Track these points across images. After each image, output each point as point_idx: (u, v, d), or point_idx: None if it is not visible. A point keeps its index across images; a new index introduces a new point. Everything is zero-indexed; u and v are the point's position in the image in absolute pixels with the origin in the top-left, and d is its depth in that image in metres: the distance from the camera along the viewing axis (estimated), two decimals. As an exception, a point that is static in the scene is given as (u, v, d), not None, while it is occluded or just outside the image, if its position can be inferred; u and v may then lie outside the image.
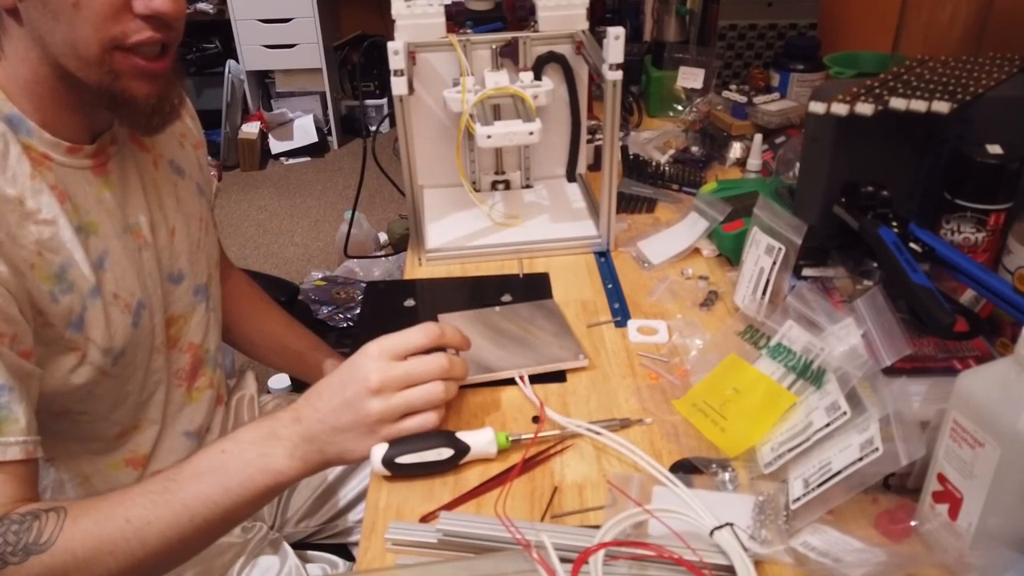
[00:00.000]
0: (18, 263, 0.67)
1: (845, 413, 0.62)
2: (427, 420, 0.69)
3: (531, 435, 0.71)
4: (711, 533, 0.59)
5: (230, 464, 0.67)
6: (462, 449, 0.69)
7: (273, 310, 1.12)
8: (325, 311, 2.18)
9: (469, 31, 1.06)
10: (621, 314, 0.91)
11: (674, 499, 0.63)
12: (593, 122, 1.23)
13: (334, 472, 1.03)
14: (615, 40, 0.88)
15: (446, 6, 1.01)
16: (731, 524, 0.59)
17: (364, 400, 0.68)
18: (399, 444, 0.68)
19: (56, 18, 0.65)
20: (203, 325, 0.90)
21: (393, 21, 1.00)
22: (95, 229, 0.74)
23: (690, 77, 1.38)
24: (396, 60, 0.89)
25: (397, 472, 0.68)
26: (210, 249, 0.93)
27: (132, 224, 0.79)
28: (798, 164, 0.96)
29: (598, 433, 0.72)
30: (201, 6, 3.49)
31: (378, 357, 0.69)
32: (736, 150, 1.27)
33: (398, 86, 0.91)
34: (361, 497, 1.02)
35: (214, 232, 0.96)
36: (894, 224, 0.77)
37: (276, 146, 3.51)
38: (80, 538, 0.63)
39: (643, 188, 1.17)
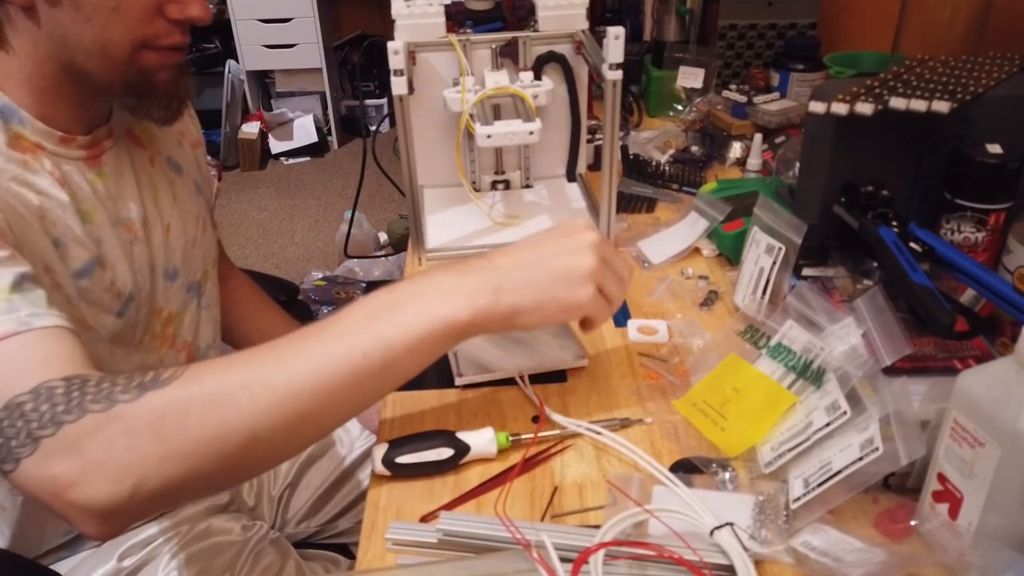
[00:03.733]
0: (21, 212, 0.67)
1: (845, 413, 0.62)
2: (614, 309, 0.67)
3: (531, 435, 0.71)
4: (711, 533, 0.59)
5: (399, 298, 0.60)
6: (462, 449, 0.69)
7: (274, 311, 1.12)
8: (325, 311, 2.18)
9: (469, 31, 1.06)
10: (621, 314, 0.91)
11: (674, 499, 0.63)
12: (593, 122, 1.23)
13: (335, 473, 1.03)
14: (615, 40, 0.88)
15: (446, 6, 1.01)
16: (731, 524, 0.59)
17: (582, 250, 0.64)
18: (399, 444, 0.68)
19: (88, 20, 0.66)
20: (194, 323, 0.90)
21: (393, 21, 1.00)
22: (90, 217, 0.74)
23: (690, 77, 1.38)
24: (396, 60, 0.89)
25: (397, 472, 0.68)
26: (207, 247, 0.93)
27: (124, 218, 0.79)
28: (798, 164, 0.96)
29: (598, 433, 0.72)
30: (201, 6, 3.49)
31: (592, 225, 0.67)
32: (736, 150, 1.27)
33: (398, 86, 0.91)
34: (361, 497, 1.02)
35: (212, 230, 0.96)
36: (894, 224, 0.77)
37: (276, 146, 3.52)
38: (210, 370, 0.56)
39: (643, 188, 1.17)
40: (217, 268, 0.97)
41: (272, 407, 0.55)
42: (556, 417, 0.74)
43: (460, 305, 0.60)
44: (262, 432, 0.54)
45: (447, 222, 1.07)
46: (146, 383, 0.54)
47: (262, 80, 3.60)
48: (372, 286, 1.11)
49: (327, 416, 0.58)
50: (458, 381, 0.79)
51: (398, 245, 2.68)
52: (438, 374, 0.81)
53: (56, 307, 0.60)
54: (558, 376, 0.80)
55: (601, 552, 0.57)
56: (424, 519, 0.65)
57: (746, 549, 0.58)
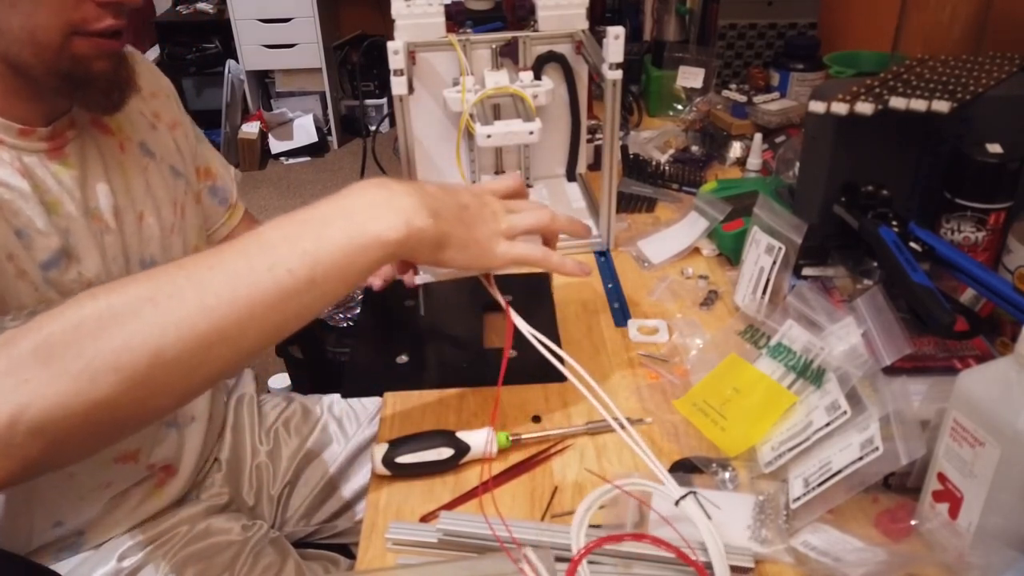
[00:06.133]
0: None
1: (845, 412, 0.62)
2: (542, 215, 0.68)
3: (532, 435, 0.71)
4: (676, 503, 0.59)
5: (327, 214, 0.56)
6: (462, 449, 0.69)
7: None
8: (325, 311, 2.18)
9: (469, 31, 1.06)
10: (621, 313, 0.91)
11: (673, 497, 0.63)
12: (593, 122, 1.23)
13: (333, 470, 1.03)
14: (615, 39, 0.88)
15: (446, 6, 1.01)
16: (694, 491, 0.60)
17: (483, 196, 0.67)
18: (399, 444, 0.68)
19: (14, 6, 0.65)
20: None
21: (393, 21, 1.00)
22: (56, 209, 0.73)
23: (690, 76, 1.38)
24: (396, 60, 0.89)
25: (397, 472, 0.68)
26: (188, 233, 0.90)
27: (93, 208, 0.77)
28: (798, 163, 0.96)
29: (605, 430, 0.72)
30: (201, 6, 3.49)
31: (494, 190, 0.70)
32: (736, 149, 1.27)
33: (398, 86, 0.91)
34: (361, 497, 1.02)
35: (196, 215, 0.93)
36: (894, 223, 0.77)
37: (276, 146, 3.51)
38: (108, 288, 0.50)
39: (643, 188, 1.17)
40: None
41: (182, 320, 0.49)
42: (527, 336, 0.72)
43: (394, 223, 0.57)
44: (169, 349, 0.49)
45: (447, 222, 1.07)
46: (38, 311, 0.50)
47: (262, 80, 3.60)
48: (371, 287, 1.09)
49: (245, 337, 0.53)
50: (417, 279, 0.81)
51: (398, 245, 2.67)
52: (438, 374, 0.81)
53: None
54: (558, 376, 0.80)
55: (584, 559, 0.57)
56: (424, 519, 0.65)
57: (709, 517, 0.58)
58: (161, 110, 0.91)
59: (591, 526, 0.62)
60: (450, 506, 0.66)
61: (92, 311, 0.49)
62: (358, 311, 0.98)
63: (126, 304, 0.49)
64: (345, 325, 2.00)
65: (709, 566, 0.56)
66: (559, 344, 0.84)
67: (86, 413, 0.48)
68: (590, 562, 0.57)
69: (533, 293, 0.94)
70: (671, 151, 1.28)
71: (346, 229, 0.56)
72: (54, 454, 0.49)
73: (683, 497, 0.59)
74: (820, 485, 0.60)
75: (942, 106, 0.75)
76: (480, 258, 0.65)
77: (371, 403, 1.07)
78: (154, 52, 3.46)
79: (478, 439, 0.69)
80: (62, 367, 0.47)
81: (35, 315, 0.50)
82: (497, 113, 1.04)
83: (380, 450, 0.68)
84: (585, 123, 1.13)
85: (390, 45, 0.90)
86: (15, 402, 0.46)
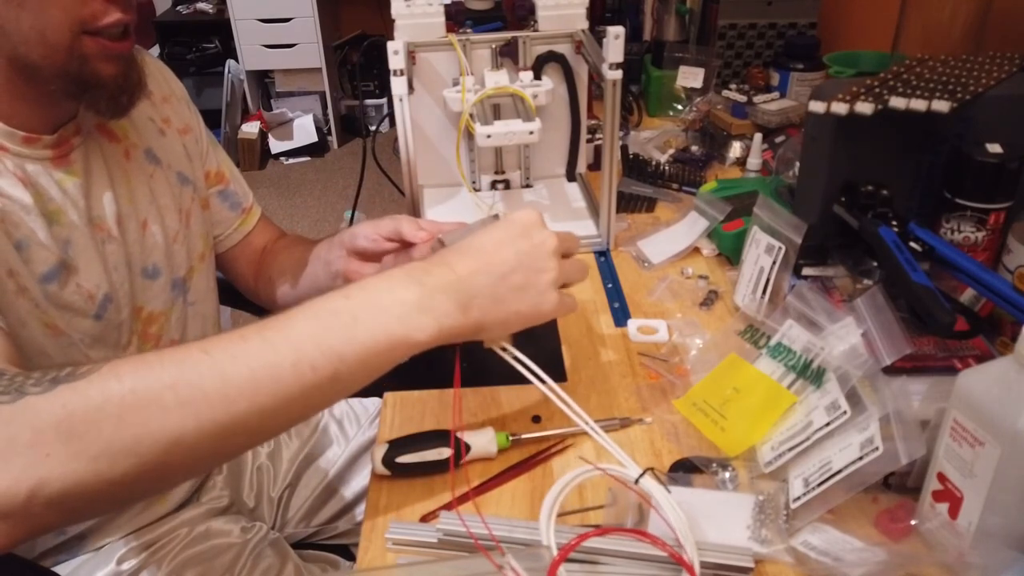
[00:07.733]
0: None
1: (845, 412, 0.62)
2: (575, 301, 0.66)
3: (532, 435, 0.71)
4: (636, 481, 0.60)
5: (358, 309, 0.56)
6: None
7: (296, 246, 1.02)
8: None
9: (469, 31, 1.06)
10: (621, 313, 0.91)
11: (665, 494, 0.63)
12: (593, 121, 1.23)
13: (334, 472, 1.03)
14: (615, 39, 0.88)
15: (446, 6, 1.01)
16: (652, 468, 0.62)
17: (544, 259, 0.62)
18: (399, 444, 0.68)
19: (22, 5, 0.64)
20: (181, 321, 0.88)
21: (393, 21, 1.00)
22: (58, 218, 0.72)
23: (690, 76, 1.38)
24: (396, 60, 0.89)
25: (397, 472, 0.68)
26: (192, 241, 0.89)
27: (96, 216, 0.76)
28: (798, 163, 0.96)
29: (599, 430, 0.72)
30: (201, 6, 3.49)
31: (544, 222, 0.64)
32: (736, 149, 1.27)
33: (398, 86, 0.91)
34: (361, 498, 1.02)
35: (202, 222, 0.92)
36: (894, 223, 0.77)
37: (276, 146, 3.52)
38: (132, 366, 0.50)
39: (643, 187, 1.17)
40: (211, 260, 0.94)
41: (201, 412, 0.50)
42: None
43: (424, 324, 0.57)
44: (187, 439, 0.50)
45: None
46: (60, 377, 0.50)
47: (262, 80, 3.60)
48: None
49: (264, 427, 0.54)
50: None
51: (398, 245, 2.67)
52: (438, 374, 0.81)
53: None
54: (557, 376, 0.80)
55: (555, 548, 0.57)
56: (424, 519, 0.65)
57: (668, 491, 0.59)
58: (172, 115, 0.90)
59: (591, 526, 0.62)
60: (450, 506, 0.66)
61: (116, 393, 0.49)
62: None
63: (148, 389, 0.50)
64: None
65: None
66: (559, 343, 0.85)
67: (102, 490, 0.49)
68: (583, 561, 0.57)
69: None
70: (671, 151, 1.28)
71: (374, 330, 0.56)
72: (65, 521, 0.51)
73: (641, 475, 0.59)
74: (820, 485, 0.60)
75: (942, 106, 0.75)
76: (521, 324, 0.64)
77: (371, 404, 1.07)
78: (154, 52, 3.46)
79: (478, 439, 0.69)
80: (83, 447, 0.48)
81: (56, 380, 0.50)
82: (497, 113, 1.04)
83: (380, 450, 0.68)
84: (585, 123, 1.13)
85: (390, 45, 0.90)
86: (36, 476, 0.47)
